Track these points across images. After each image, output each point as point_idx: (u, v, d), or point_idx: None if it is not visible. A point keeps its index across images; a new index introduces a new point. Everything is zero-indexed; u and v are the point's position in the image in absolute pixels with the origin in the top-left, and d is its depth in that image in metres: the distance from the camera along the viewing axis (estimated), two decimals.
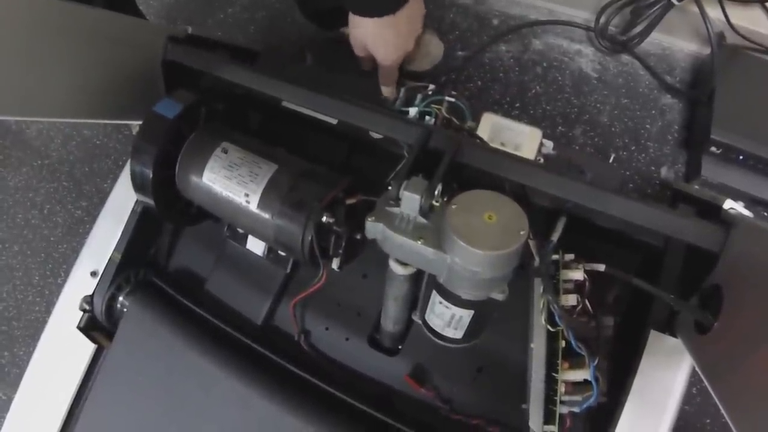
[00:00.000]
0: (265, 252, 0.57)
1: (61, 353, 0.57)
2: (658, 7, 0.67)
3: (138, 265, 0.59)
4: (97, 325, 0.58)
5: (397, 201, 0.37)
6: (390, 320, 0.50)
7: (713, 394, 0.31)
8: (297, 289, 0.54)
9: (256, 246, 0.57)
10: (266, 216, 0.45)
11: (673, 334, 0.40)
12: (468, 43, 0.89)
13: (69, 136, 0.99)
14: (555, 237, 0.39)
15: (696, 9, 0.70)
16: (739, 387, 0.29)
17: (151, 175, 0.48)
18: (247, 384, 0.49)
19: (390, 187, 0.37)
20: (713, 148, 0.56)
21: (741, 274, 0.33)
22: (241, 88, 0.52)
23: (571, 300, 0.37)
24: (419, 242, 0.35)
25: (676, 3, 0.65)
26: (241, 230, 0.57)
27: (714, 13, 0.69)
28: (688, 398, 0.56)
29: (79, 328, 0.56)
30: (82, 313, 0.57)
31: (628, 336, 0.42)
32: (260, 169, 0.46)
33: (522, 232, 0.33)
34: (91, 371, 0.57)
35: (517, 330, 0.45)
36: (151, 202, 0.50)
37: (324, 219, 0.43)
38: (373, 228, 0.37)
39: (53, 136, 1.00)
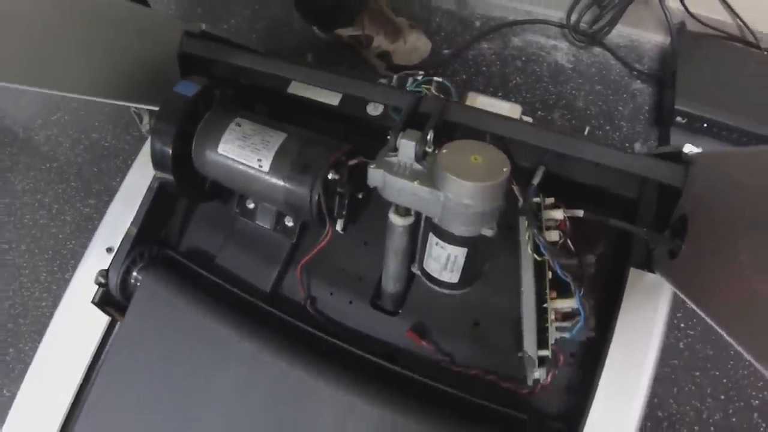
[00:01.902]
0: (273, 224, 0.60)
1: (75, 327, 0.59)
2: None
3: (152, 241, 0.61)
4: (111, 301, 0.59)
5: (395, 150, 0.41)
6: (391, 278, 0.52)
7: (691, 304, 0.34)
8: (303, 258, 0.56)
9: (264, 219, 0.60)
10: (277, 177, 0.48)
11: (651, 270, 0.43)
12: (453, 43, 0.95)
13: (77, 140, 1.02)
14: (536, 181, 0.42)
15: (657, 2, 0.76)
16: (708, 289, 0.32)
17: (171, 150, 0.52)
18: (258, 346, 0.51)
19: (389, 137, 0.40)
20: (679, 118, 0.60)
21: (700, 202, 0.36)
22: (250, 76, 0.55)
23: (553, 236, 0.40)
24: (416, 182, 0.39)
25: None
26: (251, 199, 0.59)
27: (675, 4, 0.75)
28: (676, 353, 0.59)
29: (94, 302, 0.58)
30: (96, 288, 0.58)
31: (611, 277, 0.45)
32: (271, 137, 0.50)
33: (505, 169, 0.36)
34: (105, 344, 0.59)
35: (508, 286, 0.47)
36: (170, 176, 0.53)
37: (330, 176, 0.46)
38: (375, 174, 0.41)
39: (62, 141, 1.02)
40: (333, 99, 0.58)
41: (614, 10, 0.75)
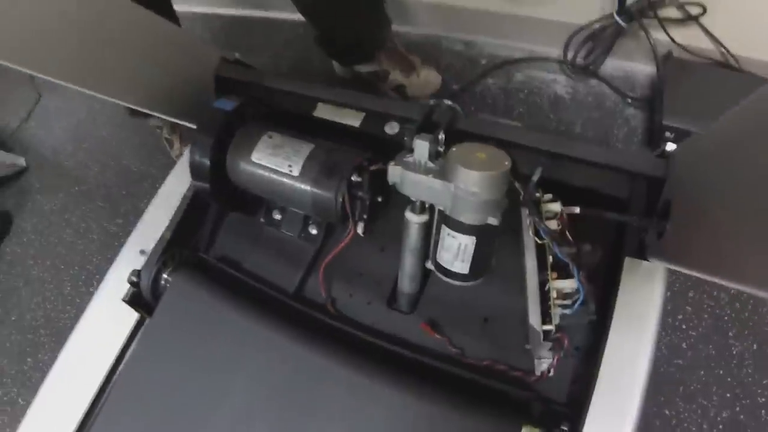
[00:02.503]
0: (298, 232, 0.66)
1: (104, 323, 0.63)
2: (609, 30, 0.81)
3: (183, 246, 0.67)
4: (141, 301, 0.64)
5: (411, 151, 0.47)
6: (407, 277, 0.57)
7: (684, 271, 0.39)
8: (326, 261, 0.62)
9: (290, 227, 0.67)
10: (306, 180, 0.55)
11: (645, 258, 0.48)
12: (461, 78, 1.05)
13: (106, 165, 1.11)
14: (535, 178, 0.48)
15: (653, 36, 0.85)
16: (694, 254, 0.37)
17: (208, 160, 0.59)
18: (284, 339, 0.55)
19: (405, 138, 0.47)
20: (667, 133, 0.67)
21: (679, 185, 0.42)
22: (279, 100, 0.64)
23: (552, 225, 0.46)
24: (429, 176, 0.45)
25: (621, 24, 0.80)
26: (280, 203, 0.65)
27: (663, 36, 0.84)
28: (679, 353, 0.61)
29: (124, 300, 0.63)
30: (128, 287, 0.63)
31: (608, 266, 0.49)
32: (301, 147, 0.57)
33: (506, 163, 0.43)
34: (131, 341, 0.62)
35: (516, 285, 0.52)
36: (206, 185, 0.61)
37: (353, 178, 0.53)
38: (394, 171, 0.47)
39: (90, 166, 1.11)
40: (354, 120, 0.67)
41: (605, 43, 0.84)
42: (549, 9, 0.95)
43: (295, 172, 0.56)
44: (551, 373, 0.48)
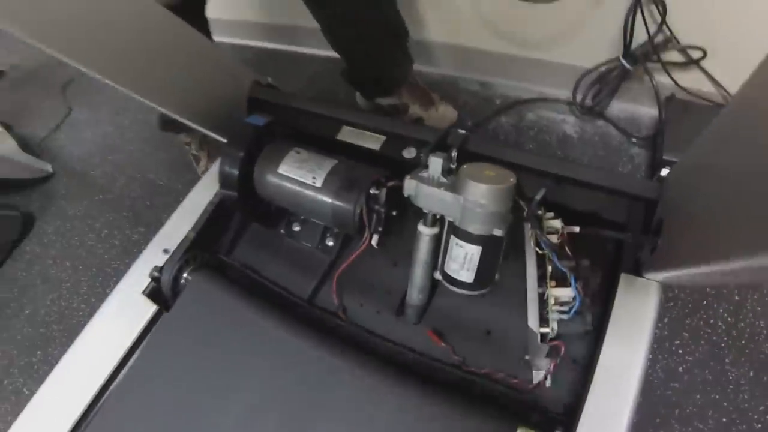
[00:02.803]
0: (316, 244, 0.72)
1: (123, 313, 0.67)
2: (615, 73, 0.89)
3: (205, 249, 0.73)
4: (160, 297, 0.68)
5: (426, 167, 0.54)
6: (416, 289, 0.62)
7: (680, 277, 0.43)
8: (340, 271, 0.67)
9: (308, 239, 0.72)
10: (328, 191, 0.61)
11: (640, 275, 0.52)
12: (476, 116, 1.13)
13: (132, 178, 1.18)
14: (538, 197, 0.54)
15: (656, 79, 0.93)
16: (683, 252, 0.42)
17: (237, 170, 0.66)
18: (296, 338, 0.59)
19: (421, 155, 0.54)
20: (666, 167, 0.72)
21: (670, 205, 0.47)
22: (305, 123, 0.71)
23: (553, 239, 0.51)
24: (441, 189, 0.51)
25: (627, 66, 0.88)
26: (302, 213, 0.71)
27: (667, 79, 0.91)
28: (676, 376, 0.64)
29: (144, 293, 0.67)
30: (149, 282, 0.68)
31: (606, 281, 0.54)
32: (324, 161, 0.64)
33: (512, 179, 0.49)
34: (146, 333, 0.65)
35: (518, 302, 0.55)
36: (234, 193, 0.67)
37: (371, 191, 0.59)
38: (410, 184, 0.53)
39: (117, 177, 1.19)
40: (375, 144, 0.74)
41: (611, 85, 0.92)
42: (559, 52, 1.04)
43: (318, 184, 0.62)
44: (548, 380, 0.52)
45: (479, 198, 0.48)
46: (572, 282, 0.47)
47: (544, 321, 0.47)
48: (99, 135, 1.35)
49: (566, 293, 0.47)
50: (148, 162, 1.20)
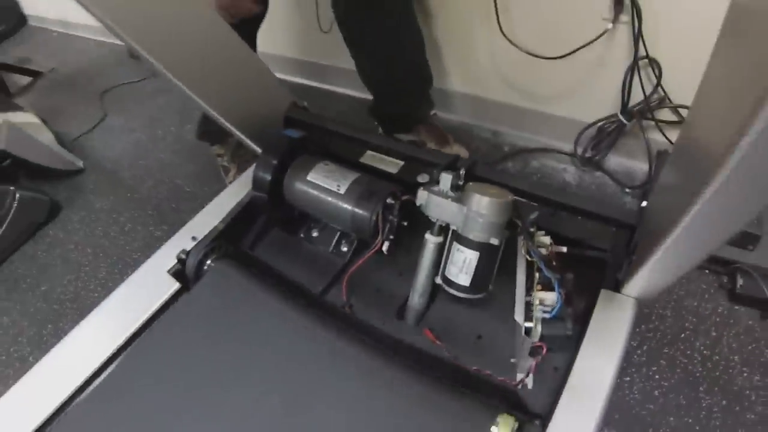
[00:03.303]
0: (332, 248, 0.82)
1: (146, 287, 0.74)
2: (613, 127, 1.02)
3: (230, 241, 0.82)
4: (183, 279, 0.76)
5: (437, 182, 0.65)
6: (417, 293, 0.71)
7: (651, 292, 0.52)
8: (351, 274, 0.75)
9: (325, 243, 0.82)
10: (349, 198, 0.71)
11: (618, 291, 0.61)
12: (486, 159, 1.26)
13: (160, 181, 1.29)
14: (531, 217, 0.64)
15: (648, 135, 1.06)
16: (652, 275, 0.52)
17: (270, 175, 0.77)
18: (306, 323, 0.67)
19: (434, 172, 0.65)
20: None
21: (644, 231, 0.58)
22: (334, 147, 0.83)
23: (542, 251, 0.61)
24: (449, 199, 0.62)
25: (624, 122, 1.01)
26: (323, 218, 0.80)
27: (659, 136, 1.04)
28: (651, 399, 0.70)
29: (169, 272, 0.75)
30: (175, 263, 0.76)
31: (587, 295, 0.63)
32: (348, 174, 0.75)
33: (509, 197, 0.60)
34: (165, 309, 0.72)
35: (507, 315, 0.63)
36: (265, 195, 0.78)
37: (388, 200, 0.70)
38: (422, 195, 0.64)
39: (145, 179, 1.29)
40: (393, 168, 0.85)
41: (609, 139, 1.05)
42: (564, 107, 1.18)
43: (342, 191, 0.73)
44: (530, 382, 0.59)
45: (480, 209, 0.59)
46: (556, 287, 0.56)
47: (529, 317, 0.56)
48: (131, 141, 1.48)
49: (550, 296, 0.56)
50: (177, 169, 1.32)
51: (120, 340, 0.69)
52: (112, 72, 1.96)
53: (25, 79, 2.07)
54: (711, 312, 0.80)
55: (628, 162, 1.14)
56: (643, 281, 0.56)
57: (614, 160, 1.14)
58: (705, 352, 0.74)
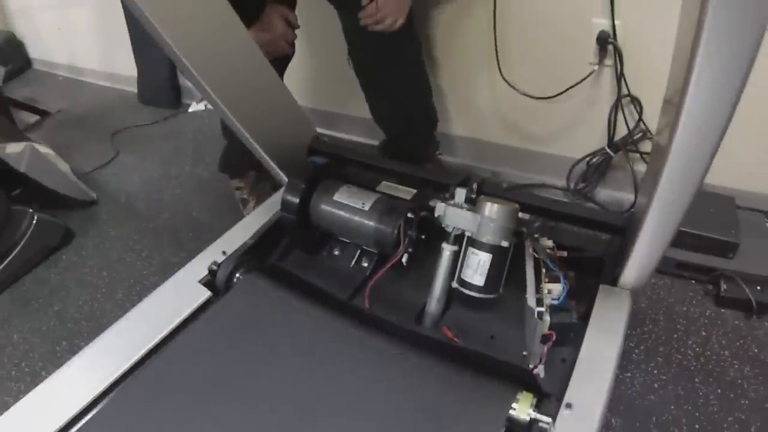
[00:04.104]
0: (353, 264, 0.93)
1: (176, 295, 0.82)
2: (601, 160, 1.18)
3: (258, 256, 0.92)
4: (213, 290, 0.84)
5: (452, 196, 0.78)
6: (434, 298, 0.82)
7: (643, 283, 0.65)
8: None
9: (346, 260, 0.94)
10: (373, 214, 0.83)
11: (615, 285, 0.72)
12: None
13: (176, 213, 1.37)
14: (536, 224, 0.77)
15: (633, 165, 1.22)
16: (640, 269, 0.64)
17: (298, 198, 0.90)
18: (338, 323, 0.76)
19: (450, 186, 0.78)
20: None
21: (632, 233, 0.71)
22: (356, 171, 0.97)
23: (547, 251, 0.73)
24: (464, 208, 0.75)
25: (611, 154, 1.17)
26: (347, 236, 0.91)
27: (643, 166, 1.19)
28: (651, 391, 0.78)
29: (200, 282, 0.84)
30: (206, 273, 0.85)
31: (588, 292, 0.75)
32: (370, 194, 0.87)
33: (516, 206, 0.73)
34: (194, 317, 0.79)
35: (517, 318, 0.74)
36: (293, 217, 0.90)
37: (408, 215, 0.82)
38: (440, 207, 0.76)
39: (161, 211, 1.38)
40: (406, 195, 0.99)
41: (599, 172, 1.21)
42: (556, 145, 1.34)
43: (366, 208, 0.86)
44: (542, 371, 0.69)
45: (492, 214, 0.72)
46: (561, 279, 0.68)
47: (539, 303, 0.68)
48: (145, 177, 1.60)
49: (557, 287, 0.68)
50: (193, 204, 1.42)
51: (150, 344, 0.75)
52: (122, 115, 2.11)
53: (33, 117, 2.19)
54: (699, 315, 0.91)
55: (617, 193, 1.29)
56: (633, 273, 0.68)
57: (604, 192, 1.29)
58: (697, 349, 0.85)
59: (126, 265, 1.21)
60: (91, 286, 1.16)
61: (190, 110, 2.10)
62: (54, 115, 2.24)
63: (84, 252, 1.27)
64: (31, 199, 1.30)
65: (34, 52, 2.86)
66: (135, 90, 2.29)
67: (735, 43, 0.44)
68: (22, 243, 1.20)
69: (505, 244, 0.73)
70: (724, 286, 0.91)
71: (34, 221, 1.22)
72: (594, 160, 1.23)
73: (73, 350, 0.85)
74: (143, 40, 2.11)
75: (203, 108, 2.10)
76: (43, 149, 1.41)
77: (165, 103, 2.15)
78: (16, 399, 0.65)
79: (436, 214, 0.78)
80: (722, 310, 0.92)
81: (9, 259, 1.18)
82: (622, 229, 0.74)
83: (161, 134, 1.92)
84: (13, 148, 1.31)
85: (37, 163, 1.36)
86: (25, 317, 1.10)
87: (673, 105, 0.55)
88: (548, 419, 0.58)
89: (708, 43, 0.45)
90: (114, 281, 1.17)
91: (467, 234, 0.76)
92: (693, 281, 0.98)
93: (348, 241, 0.95)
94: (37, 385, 0.67)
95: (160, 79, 2.14)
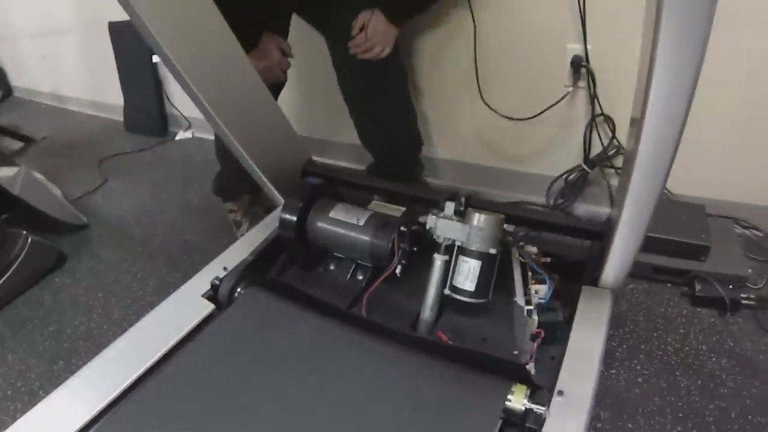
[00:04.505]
0: (348, 277, 0.99)
1: (180, 309, 0.86)
2: (579, 175, 1.28)
3: (258, 272, 0.97)
4: (216, 303, 0.88)
5: (442, 209, 0.85)
6: (428, 307, 0.87)
7: (621, 282, 0.72)
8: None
9: (342, 273, 0.99)
10: (368, 228, 0.89)
11: (596, 285, 0.80)
12: None
13: (169, 237, 1.41)
14: (521, 233, 0.84)
15: (609, 180, 1.31)
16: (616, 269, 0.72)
17: (296, 216, 0.96)
18: (339, 329, 0.81)
19: (439, 201, 0.85)
20: None
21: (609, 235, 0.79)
22: (349, 191, 1.04)
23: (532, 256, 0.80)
24: (453, 220, 0.82)
25: (587, 170, 1.26)
26: (342, 251, 0.98)
27: (617, 180, 1.29)
28: (636, 385, 0.83)
29: (203, 296, 0.88)
30: (208, 288, 0.89)
31: (572, 295, 0.82)
32: (364, 211, 0.93)
33: (501, 216, 0.80)
34: (198, 330, 0.83)
35: (506, 321, 0.80)
36: (292, 234, 0.96)
37: (401, 228, 0.89)
38: (431, 219, 0.83)
39: (154, 235, 1.42)
40: (396, 213, 1.06)
41: (576, 188, 1.30)
42: (535, 164, 1.44)
43: (361, 223, 0.92)
44: (532, 368, 0.75)
45: (480, 224, 0.79)
46: (546, 279, 0.75)
47: (528, 302, 0.74)
48: (135, 203, 1.64)
49: (543, 287, 0.75)
50: (186, 227, 1.46)
51: (157, 355, 0.79)
52: (108, 143, 2.15)
53: (17, 144, 2.22)
54: (677, 315, 0.98)
55: (594, 207, 1.38)
56: (612, 273, 0.76)
57: (582, 207, 1.38)
58: (676, 345, 0.92)
59: (122, 287, 1.23)
60: (87, 306, 1.18)
61: (176, 138, 2.16)
62: (38, 142, 2.27)
63: (78, 274, 1.29)
64: (20, 222, 1.32)
65: (15, 79, 2.89)
66: (120, 118, 2.33)
67: (681, 69, 0.54)
68: (16, 265, 1.21)
69: (493, 251, 0.80)
70: (698, 287, 0.99)
71: (28, 243, 1.25)
72: (571, 176, 1.32)
73: (71, 369, 0.88)
74: (130, 68, 2.17)
75: (190, 136, 2.16)
76: (36, 173, 1.45)
77: (152, 131, 2.20)
78: (14, 419, 0.67)
79: (428, 226, 0.84)
80: (698, 309, 1.00)
81: (2, 280, 1.19)
82: (600, 234, 0.81)
83: (149, 161, 1.96)
84: (7, 171, 1.34)
85: (30, 186, 1.39)
86: (20, 338, 1.10)
87: (636, 123, 0.64)
88: (542, 408, 0.64)
89: (660, 68, 0.54)
90: (110, 302, 1.18)
91: (457, 243, 0.82)
92: (669, 284, 1.06)
93: (343, 256, 1.01)
94: (35, 404, 0.68)
95: (147, 107, 2.19)
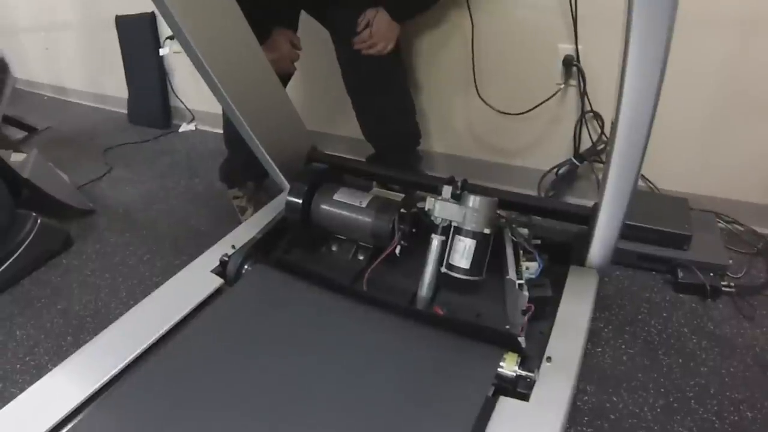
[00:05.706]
0: (350, 258, 1.03)
1: (190, 283, 0.91)
2: (569, 169, 1.33)
3: (264, 251, 1.01)
4: (224, 278, 0.93)
5: (440, 193, 0.89)
6: (425, 284, 0.92)
7: (606, 261, 0.77)
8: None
9: (344, 254, 1.04)
10: (370, 210, 0.94)
11: (583, 265, 0.85)
12: None
13: (175, 223, 1.42)
14: (513, 215, 0.89)
15: (597, 174, 1.37)
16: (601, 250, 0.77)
17: (302, 199, 1.00)
18: (344, 302, 0.85)
19: (437, 186, 0.90)
20: None
21: (594, 221, 0.84)
22: (351, 175, 1.08)
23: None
24: (451, 202, 0.86)
25: (577, 164, 1.32)
26: (346, 232, 1.02)
27: None
28: (621, 362, 0.88)
29: (212, 271, 0.93)
30: (217, 264, 0.94)
31: (560, 270, 0.87)
32: (366, 194, 0.99)
33: (495, 199, 0.85)
34: (206, 303, 0.87)
35: (499, 298, 0.86)
36: (297, 216, 1.00)
37: (401, 210, 0.93)
38: (430, 202, 0.87)
39: (160, 221, 1.44)
40: (397, 197, 1.10)
41: (566, 181, 1.36)
42: (527, 158, 1.49)
43: (363, 204, 0.97)
44: (523, 341, 0.80)
45: (476, 205, 0.83)
46: (536, 255, 0.80)
47: (519, 276, 0.79)
48: (141, 190, 1.67)
49: (533, 264, 0.80)
50: (192, 214, 1.49)
51: (168, 325, 0.83)
52: (112, 134, 2.17)
53: (20, 134, 2.23)
54: (660, 300, 1.03)
55: (583, 200, 1.43)
56: (597, 253, 0.81)
57: (571, 200, 1.43)
58: (659, 327, 0.96)
59: (128, 268, 1.26)
60: (94, 286, 1.20)
61: (180, 130, 2.19)
62: (42, 132, 2.29)
63: (84, 256, 1.32)
64: (28, 206, 1.34)
65: (17, 71, 2.90)
66: (124, 111, 2.36)
67: (647, 74, 0.62)
68: (25, 245, 1.24)
69: (487, 231, 0.84)
70: (680, 274, 1.04)
71: (38, 225, 1.27)
72: (561, 170, 1.37)
73: (79, 344, 0.90)
74: (136, 61, 2.21)
75: (194, 128, 2.19)
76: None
77: (155, 123, 2.23)
78: (22, 391, 0.69)
79: (426, 208, 0.89)
80: (680, 295, 1.04)
81: (11, 260, 1.22)
82: (586, 218, 0.86)
83: (154, 151, 1.99)
84: (18, 156, 1.37)
85: (41, 170, 1.42)
86: (28, 316, 1.12)
87: (613, 120, 0.71)
88: (532, 374, 0.68)
89: (630, 72, 0.63)
90: (117, 282, 1.21)
91: (454, 224, 0.87)
92: (653, 272, 1.11)
93: (345, 237, 1.06)
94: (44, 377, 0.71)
95: (152, 99, 2.22)
